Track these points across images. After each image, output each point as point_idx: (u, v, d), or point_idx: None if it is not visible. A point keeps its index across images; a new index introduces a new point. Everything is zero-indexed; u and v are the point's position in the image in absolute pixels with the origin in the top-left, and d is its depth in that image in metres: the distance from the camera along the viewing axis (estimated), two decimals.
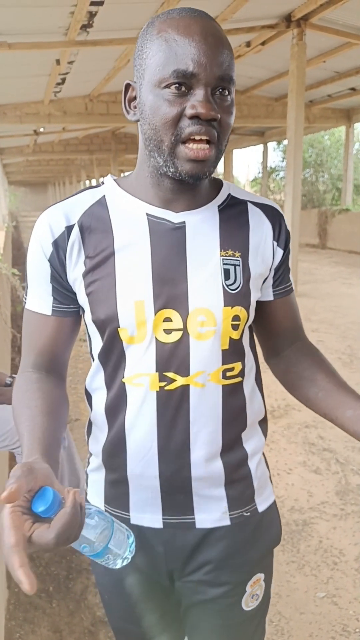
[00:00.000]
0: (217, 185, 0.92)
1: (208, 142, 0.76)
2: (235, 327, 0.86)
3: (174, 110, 0.75)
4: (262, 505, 0.97)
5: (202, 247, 0.85)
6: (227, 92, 0.77)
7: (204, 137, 0.75)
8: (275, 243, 0.91)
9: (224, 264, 0.85)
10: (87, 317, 0.87)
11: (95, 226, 0.85)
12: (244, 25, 6.57)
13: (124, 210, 0.86)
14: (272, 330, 1.00)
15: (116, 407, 0.89)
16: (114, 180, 0.90)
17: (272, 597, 1.28)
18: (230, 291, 0.85)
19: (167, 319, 0.83)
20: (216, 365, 0.86)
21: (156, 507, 0.90)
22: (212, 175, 0.88)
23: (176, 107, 0.74)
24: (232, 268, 0.86)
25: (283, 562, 2.15)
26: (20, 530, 0.57)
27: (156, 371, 0.84)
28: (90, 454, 0.98)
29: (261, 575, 0.98)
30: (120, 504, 0.93)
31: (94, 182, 27.86)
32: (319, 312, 6.37)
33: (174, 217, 0.84)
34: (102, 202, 0.87)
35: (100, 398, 0.91)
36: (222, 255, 0.85)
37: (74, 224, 0.84)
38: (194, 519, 0.91)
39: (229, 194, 0.91)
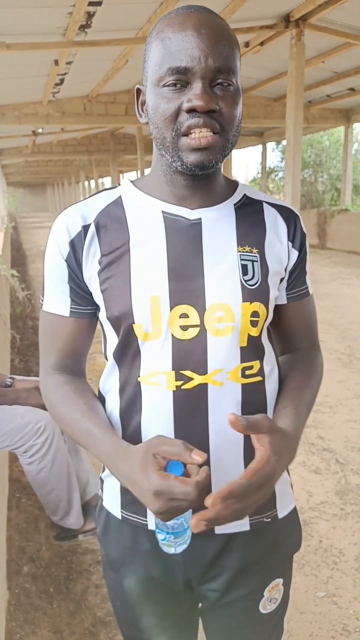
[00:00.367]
0: (233, 185, 0.92)
1: (212, 132, 0.76)
2: (254, 324, 0.84)
3: (172, 107, 0.75)
4: (282, 512, 0.95)
5: (219, 243, 0.84)
6: (227, 83, 0.76)
7: (203, 129, 0.75)
8: (290, 244, 0.90)
9: (241, 259, 0.84)
10: (102, 314, 0.86)
11: (111, 225, 0.85)
12: (243, 26, 6.58)
13: (139, 208, 0.86)
14: (281, 332, 0.99)
15: (131, 409, 0.87)
16: (131, 181, 0.91)
17: None
18: (249, 286, 0.84)
19: (184, 315, 0.82)
20: (235, 363, 0.84)
21: None
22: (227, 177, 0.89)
23: (174, 103, 0.75)
24: (249, 264, 0.85)
25: None
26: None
27: (172, 369, 0.82)
28: None
29: (280, 580, 0.97)
30: (137, 510, 0.90)
31: (92, 183, 27.89)
32: (318, 312, 6.22)
33: (190, 214, 0.84)
34: (118, 202, 0.87)
35: (114, 400, 0.90)
36: (240, 251, 0.85)
37: (90, 224, 0.85)
38: None
39: (245, 194, 0.91)
